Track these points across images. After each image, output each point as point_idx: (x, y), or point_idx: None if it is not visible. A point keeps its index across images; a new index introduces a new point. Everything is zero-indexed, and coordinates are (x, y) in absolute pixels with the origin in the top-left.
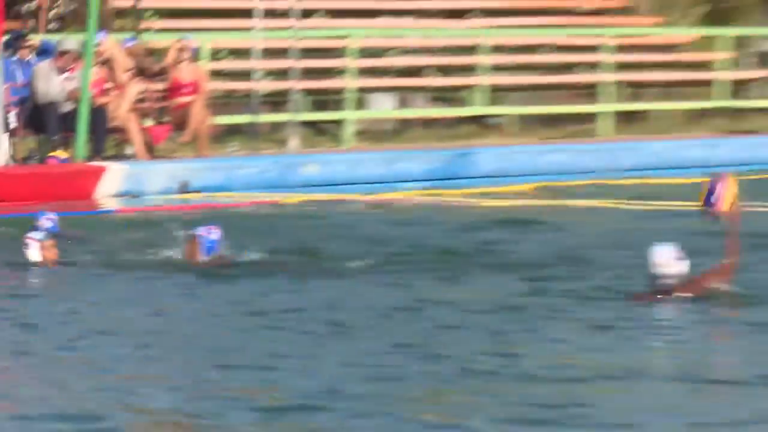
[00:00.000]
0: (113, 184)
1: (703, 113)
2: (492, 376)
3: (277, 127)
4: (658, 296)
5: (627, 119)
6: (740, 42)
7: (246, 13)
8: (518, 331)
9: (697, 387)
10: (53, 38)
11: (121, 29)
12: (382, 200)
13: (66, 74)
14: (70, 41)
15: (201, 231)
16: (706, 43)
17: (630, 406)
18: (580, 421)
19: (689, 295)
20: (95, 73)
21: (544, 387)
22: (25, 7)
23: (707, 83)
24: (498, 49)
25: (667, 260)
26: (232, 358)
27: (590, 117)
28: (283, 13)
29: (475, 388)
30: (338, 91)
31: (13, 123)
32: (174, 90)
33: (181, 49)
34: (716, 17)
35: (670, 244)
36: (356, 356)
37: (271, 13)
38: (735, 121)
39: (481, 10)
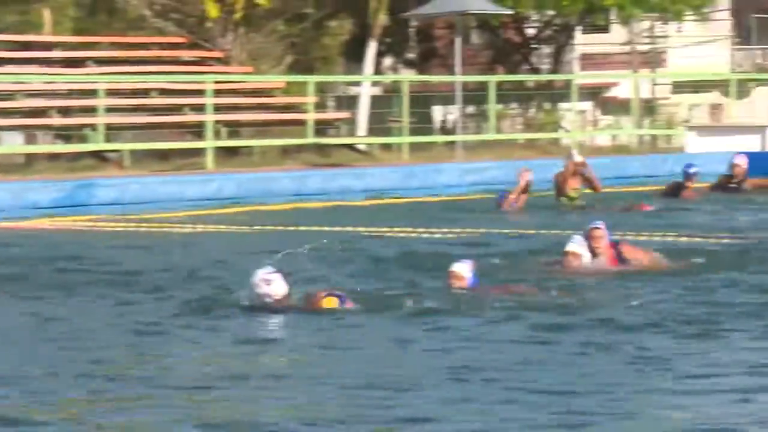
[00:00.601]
0: None
1: (295, 149)
2: (132, 381)
3: None
4: (263, 310)
5: (228, 154)
6: (324, 87)
7: None
8: (142, 342)
9: (313, 388)
10: None
11: None
12: (12, 227)
13: None
14: None
15: None
16: (294, 88)
17: (245, 404)
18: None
19: (291, 309)
20: None
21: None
22: None
23: (297, 123)
24: (113, 93)
25: (265, 280)
26: None
27: (197, 152)
28: None
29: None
30: None
31: None
32: None
33: None
34: (303, 66)
35: (266, 265)
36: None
37: None
38: (321, 155)
39: (96, 60)
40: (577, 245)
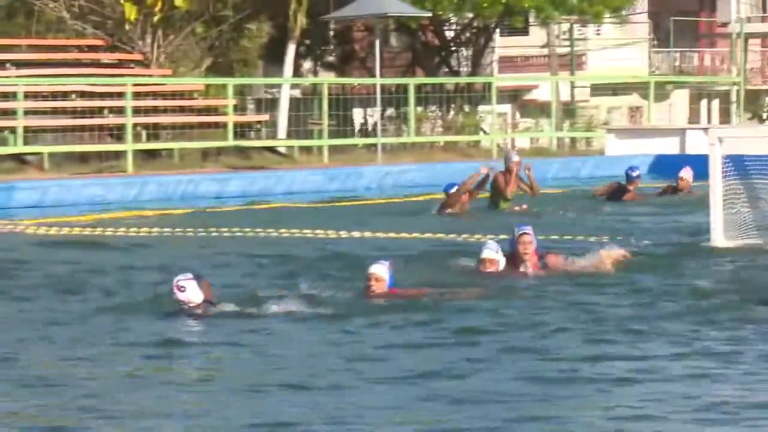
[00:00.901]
0: None
1: (216, 152)
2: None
3: None
4: (184, 316)
5: (149, 157)
6: (243, 90)
7: None
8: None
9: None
10: None
11: None
12: None
13: None
14: None
15: None
16: (214, 91)
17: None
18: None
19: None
20: None
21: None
22: None
23: (217, 125)
24: (32, 95)
25: (180, 287)
26: None
27: (118, 154)
28: None
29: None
30: None
31: None
32: None
33: None
34: (222, 68)
35: (188, 272)
36: None
37: None
38: (242, 158)
39: (15, 62)
40: (492, 251)
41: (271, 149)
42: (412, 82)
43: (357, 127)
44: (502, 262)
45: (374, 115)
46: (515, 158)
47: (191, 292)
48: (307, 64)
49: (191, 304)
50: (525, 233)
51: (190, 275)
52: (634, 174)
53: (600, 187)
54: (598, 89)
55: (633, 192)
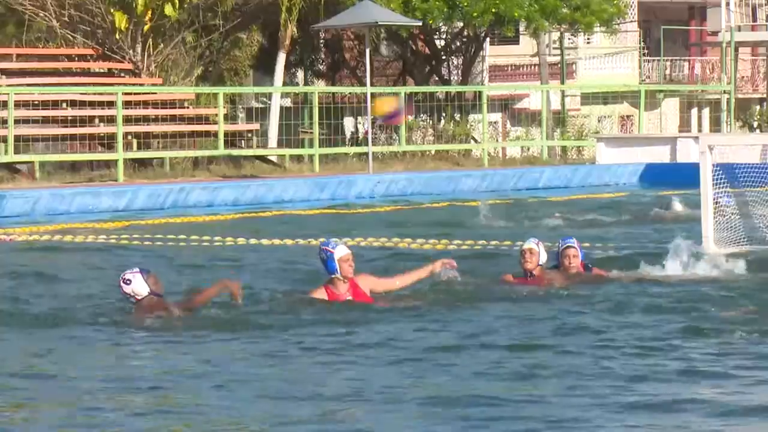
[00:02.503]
0: None
1: (207, 160)
2: None
3: None
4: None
5: (140, 165)
6: (233, 98)
7: None
8: None
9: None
10: None
11: None
12: None
13: None
14: None
15: None
16: (204, 100)
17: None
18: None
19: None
20: None
21: None
22: None
23: (207, 134)
24: (24, 104)
25: (125, 280)
26: None
27: (108, 163)
28: None
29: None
30: None
31: None
32: None
33: None
34: (212, 77)
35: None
36: None
37: None
38: (233, 167)
39: (5, 71)
40: (532, 243)
41: (262, 158)
42: (402, 90)
43: (348, 135)
44: (543, 256)
45: (365, 123)
46: (678, 206)
47: (136, 285)
48: (298, 73)
49: (137, 297)
50: (570, 246)
51: (137, 269)
52: None
53: None
54: (588, 98)
55: None
